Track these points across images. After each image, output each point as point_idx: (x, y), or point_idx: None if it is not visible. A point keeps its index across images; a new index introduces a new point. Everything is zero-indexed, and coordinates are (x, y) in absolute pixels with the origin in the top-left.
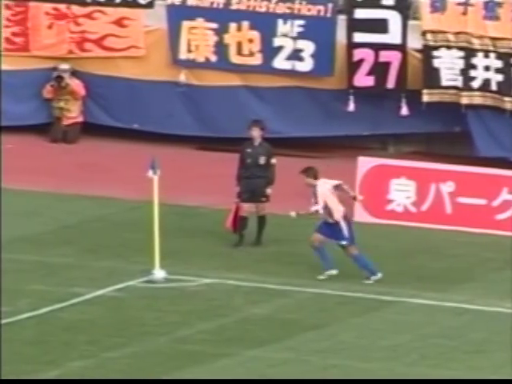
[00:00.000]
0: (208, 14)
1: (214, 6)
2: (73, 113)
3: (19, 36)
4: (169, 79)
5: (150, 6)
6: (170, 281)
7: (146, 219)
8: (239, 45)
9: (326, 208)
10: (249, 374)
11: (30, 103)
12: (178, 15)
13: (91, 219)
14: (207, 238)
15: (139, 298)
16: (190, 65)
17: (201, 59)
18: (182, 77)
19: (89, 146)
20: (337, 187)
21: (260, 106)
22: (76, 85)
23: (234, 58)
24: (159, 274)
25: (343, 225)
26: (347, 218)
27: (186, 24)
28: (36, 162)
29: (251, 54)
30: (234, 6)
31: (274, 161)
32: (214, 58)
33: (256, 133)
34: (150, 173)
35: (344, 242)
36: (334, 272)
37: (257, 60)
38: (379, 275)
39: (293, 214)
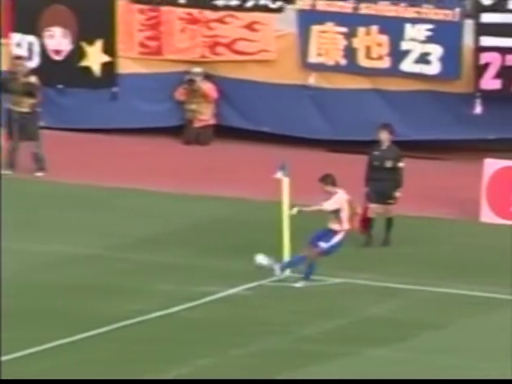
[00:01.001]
0: (337, 18)
1: (344, 10)
2: (205, 115)
3: (153, 40)
4: (299, 82)
5: (280, 10)
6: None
7: (275, 219)
8: (368, 48)
9: (337, 215)
10: (366, 374)
11: (164, 105)
12: (307, 20)
13: (222, 219)
14: None
15: (267, 297)
16: (320, 68)
17: (330, 62)
18: (312, 80)
19: (221, 147)
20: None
21: (388, 108)
22: (208, 88)
23: (363, 62)
24: (289, 273)
25: (340, 238)
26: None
27: (315, 28)
28: (169, 163)
29: (380, 58)
30: (362, 11)
31: (401, 164)
32: (343, 62)
33: (384, 136)
34: (280, 174)
35: (321, 246)
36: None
37: (385, 63)
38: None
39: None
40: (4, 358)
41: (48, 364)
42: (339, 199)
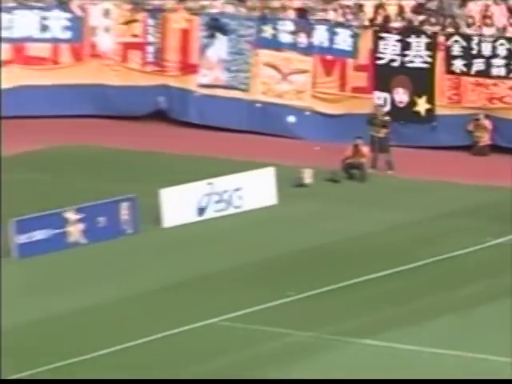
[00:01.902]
0: None
1: None
2: (484, 138)
3: (455, 95)
4: None
5: None
6: None
7: None
8: None
9: None
10: None
11: (461, 133)
12: None
13: (497, 201)
14: None
15: None
16: None
17: None
18: None
19: (496, 158)
20: None
21: None
22: (487, 123)
23: None
24: None
25: None
26: None
27: None
28: (463, 168)
29: None
30: None
31: None
32: None
33: None
34: None
35: None
36: None
37: None
38: None
39: None
40: (317, 291)
41: (342, 300)
42: None
